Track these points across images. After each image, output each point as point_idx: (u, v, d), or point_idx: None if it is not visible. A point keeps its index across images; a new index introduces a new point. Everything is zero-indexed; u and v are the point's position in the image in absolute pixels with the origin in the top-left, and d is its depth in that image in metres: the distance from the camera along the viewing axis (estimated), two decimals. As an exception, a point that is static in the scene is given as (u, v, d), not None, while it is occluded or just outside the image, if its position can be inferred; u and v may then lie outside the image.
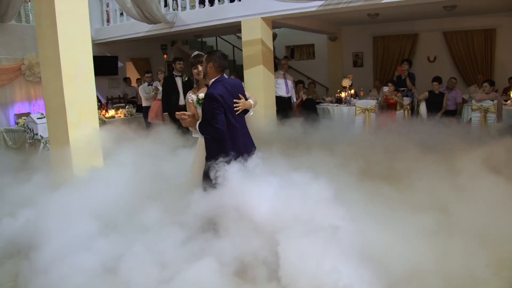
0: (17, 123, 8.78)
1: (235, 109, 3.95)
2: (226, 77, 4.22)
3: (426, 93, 9.15)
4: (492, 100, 8.21)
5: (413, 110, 9.41)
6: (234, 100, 3.95)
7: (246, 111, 4.19)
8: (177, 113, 4.07)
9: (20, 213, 4.31)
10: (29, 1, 10.66)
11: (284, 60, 10.22)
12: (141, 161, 5.01)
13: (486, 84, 8.44)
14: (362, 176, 5.12)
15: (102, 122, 8.53)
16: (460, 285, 3.00)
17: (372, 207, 4.14)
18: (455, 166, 5.10)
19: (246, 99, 4.14)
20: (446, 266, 3.14)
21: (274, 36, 12.86)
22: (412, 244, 3.40)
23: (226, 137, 3.88)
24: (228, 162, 3.74)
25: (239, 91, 4.05)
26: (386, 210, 4.06)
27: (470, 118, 8.55)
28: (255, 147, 4.17)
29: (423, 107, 9.13)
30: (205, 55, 4.10)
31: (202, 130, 3.92)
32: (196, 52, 4.55)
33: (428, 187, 4.68)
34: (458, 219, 3.78)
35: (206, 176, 3.87)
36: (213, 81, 3.98)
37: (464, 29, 11.29)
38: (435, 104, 8.99)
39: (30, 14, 10.66)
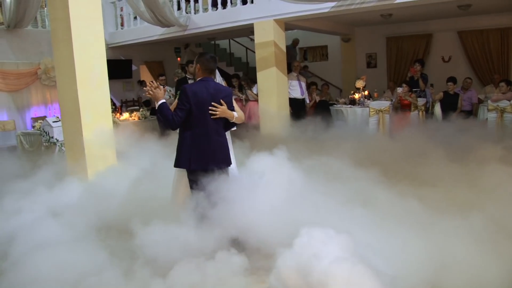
0: (33, 127, 8.91)
1: (210, 112, 3.82)
2: (217, 81, 4.22)
3: (441, 94, 9.06)
4: (509, 100, 8.09)
5: (428, 111, 9.32)
6: (213, 104, 3.82)
7: (229, 124, 4.08)
8: (150, 82, 3.97)
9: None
10: (45, 6, 10.82)
11: (297, 62, 10.21)
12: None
13: (502, 84, 8.34)
14: (389, 179, 4.94)
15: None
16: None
17: (412, 212, 3.92)
18: (480, 166, 5.03)
19: (232, 110, 3.99)
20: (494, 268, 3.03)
21: (296, 42, 12.94)
22: (459, 249, 3.23)
23: (181, 133, 3.88)
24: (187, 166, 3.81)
25: (224, 98, 3.91)
26: (425, 214, 3.86)
27: (487, 119, 8.45)
28: (228, 164, 4.01)
29: (438, 108, 9.04)
30: (196, 56, 4.09)
31: (159, 111, 3.80)
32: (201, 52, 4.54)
33: (458, 190, 4.59)
34: (497, 220, 3.61)
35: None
36: (197, 80, 3.98)
37: (479, 28, 11.14)
38: (450, 104, 8.89)
39: (46, 20, 10.81)
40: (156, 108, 3.82)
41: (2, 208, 4.61)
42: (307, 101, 9.91)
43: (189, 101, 3.75)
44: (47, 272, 3.21)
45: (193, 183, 3.78)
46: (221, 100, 3.87)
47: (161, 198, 4.24)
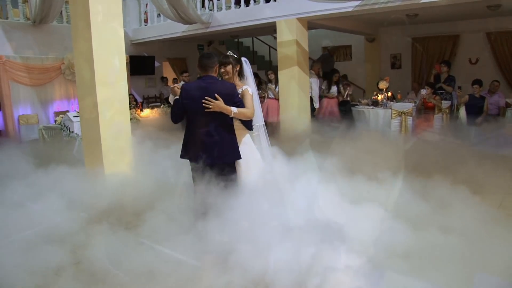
0: (55, 121, 9.02)
1: (204, 105, 3.76)
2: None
3: (467, 97, 8.81)
4: (538, 105, 7.84)
5: (452, 113, 9.09)
6: (206, 98, 3.77)
7: (247, 122, 4.05)
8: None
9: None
10: (71, 2, 10.96)
11: (318, 65, 10.13)
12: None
13: (531, 87, 8.08)
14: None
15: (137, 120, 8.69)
16: None
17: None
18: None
19: (235, 105, 3.86)
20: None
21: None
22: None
23: (185, 129, 4.04)
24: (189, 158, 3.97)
25: (220, 92, 3.80)
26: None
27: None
28: (232, 160, 3.94)
29: (462, 111, 8.80)
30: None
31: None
32: (229, 52, 4.37)
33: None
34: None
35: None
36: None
37: (509, 29, 10.79)
38: (475, 108, 8.63)
39: (71, 15, 10.93)
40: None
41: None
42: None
43: (182, 96, 3.90)
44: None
45: (193, 176, 3.98)
46: (216, 95, 3.78)
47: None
